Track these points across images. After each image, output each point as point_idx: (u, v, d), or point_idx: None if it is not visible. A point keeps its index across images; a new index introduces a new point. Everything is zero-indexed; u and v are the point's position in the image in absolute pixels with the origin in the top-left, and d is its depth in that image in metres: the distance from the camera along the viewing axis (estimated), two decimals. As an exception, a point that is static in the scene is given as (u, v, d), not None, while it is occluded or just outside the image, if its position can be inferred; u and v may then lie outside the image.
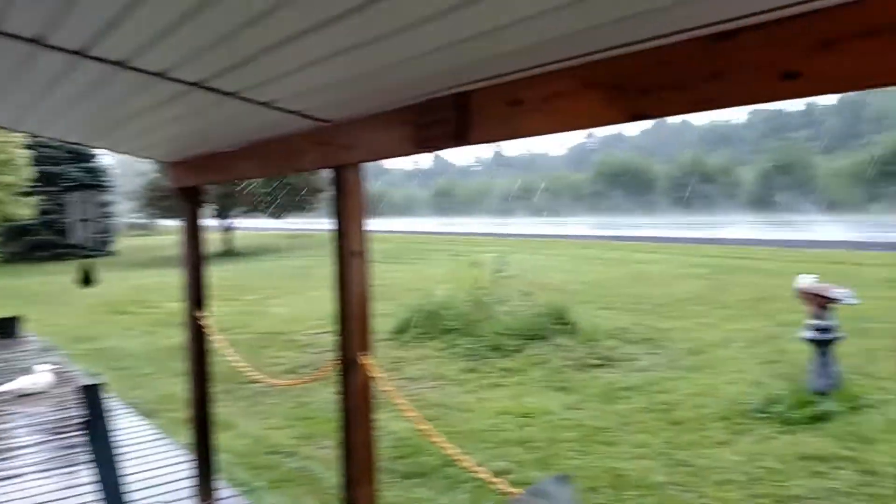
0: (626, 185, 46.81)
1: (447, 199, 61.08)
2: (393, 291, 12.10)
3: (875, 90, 1.54)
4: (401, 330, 9.19)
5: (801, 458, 4.83)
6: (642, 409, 6.00)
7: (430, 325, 9.03)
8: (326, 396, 6.03)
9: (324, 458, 4.97)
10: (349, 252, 2.60)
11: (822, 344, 5.91)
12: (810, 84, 1.46)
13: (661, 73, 1.68)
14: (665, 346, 8.28)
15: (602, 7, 1.61)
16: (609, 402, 6.24)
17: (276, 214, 29.57)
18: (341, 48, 1.96)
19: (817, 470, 4.65)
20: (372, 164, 2.81)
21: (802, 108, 56.11)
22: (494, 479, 2.50)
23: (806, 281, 6.13)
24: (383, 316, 9.51)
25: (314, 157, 2.79)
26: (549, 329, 8.45)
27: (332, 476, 4.40)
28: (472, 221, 42.20)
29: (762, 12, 1.49)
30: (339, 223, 2.63)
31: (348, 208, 2.62)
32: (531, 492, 1.50)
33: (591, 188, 50.26)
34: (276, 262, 22.23)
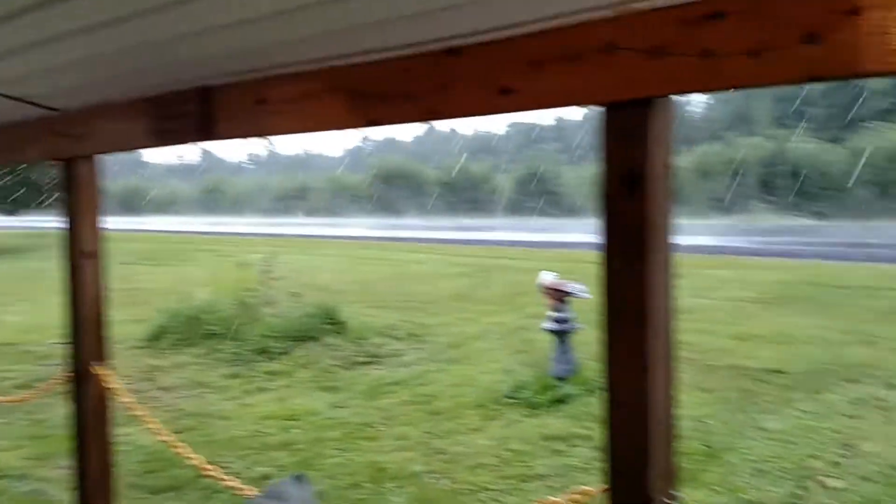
0: (400, 188, 48.10)
1: (216, 197, 58.26)
2: (149, 295, 11.29)
3: (581, 108, 1.74)
4: (156, 336, 8.60)
5: (545, 439, 5.32)
6: (405, 403, 6.22)
7: (189, 330, 8.56)
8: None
9: (61, 479, 4.50)
10: (81, 253, 2.39)
11: (561, 334, 6.57)
12: (522, 100, 1.62)
13: (395, 83, 1.76)
14: (429, 340, 8.66)
15: (339, 14, 1.65)
16: (374, 398, 6.38)
17: (14, 211, 26.14)
18: (67, 29, 1.80)
19: (557, 448, 5.15)
20: (128, 156, 2.62)
21: (553, 122, 61.71)
22: (245, 487, 2.45)
23: (547, 277, 6.78)
24: (137, 322, 8.84)
25: (41, 148, 2.53)
26: (318, 329, 8.42)
27: (68, 497, 4.01)
28: (242, 221, 40.68)
29: (483, 32, 1.63)
30: (70, 221, 2.42)
31: (80, 204, 2.41)
32: (267, 493, 1.50)
33: (367, 190, 50.88)
34: (11, 264, 19.64)
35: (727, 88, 1.40)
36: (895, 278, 11.61)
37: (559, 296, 6.69)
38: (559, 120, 61.69)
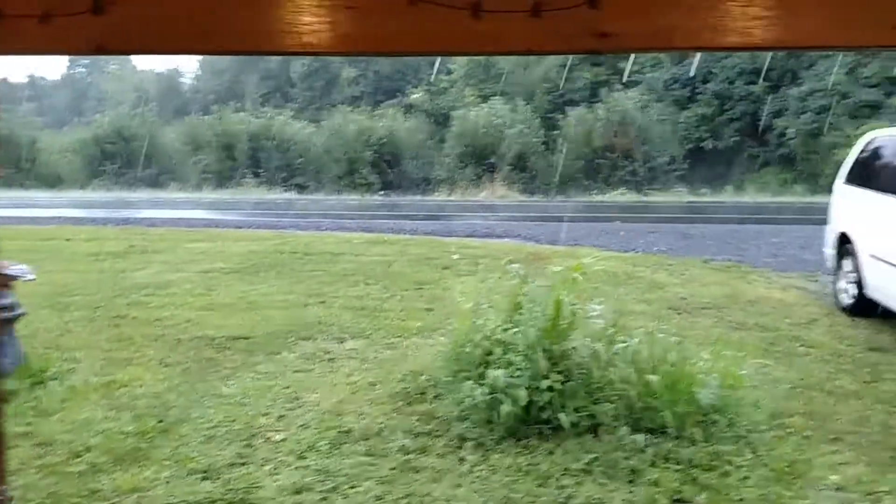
0: None
1: None
2: None
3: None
4: None
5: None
6: None
7: None
8: None
9: None
10: None
11: (4, 323, 5.75)
12: None
13: None
14: None
15: None
16: None
17: None
18: None
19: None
20: None
21: (26, 79, 53.64)
22: None
23: (-17, 260, 5.84)
24: None
25: None
26: None
27: None
28: None
29: None
30: None
31: None
32: None
33: None
34: None
35: (23, 53, 1.30)
36: (353, 245, 13.35)
37: (2, 280, 5.81)
38: (32, 77, 53.96)
